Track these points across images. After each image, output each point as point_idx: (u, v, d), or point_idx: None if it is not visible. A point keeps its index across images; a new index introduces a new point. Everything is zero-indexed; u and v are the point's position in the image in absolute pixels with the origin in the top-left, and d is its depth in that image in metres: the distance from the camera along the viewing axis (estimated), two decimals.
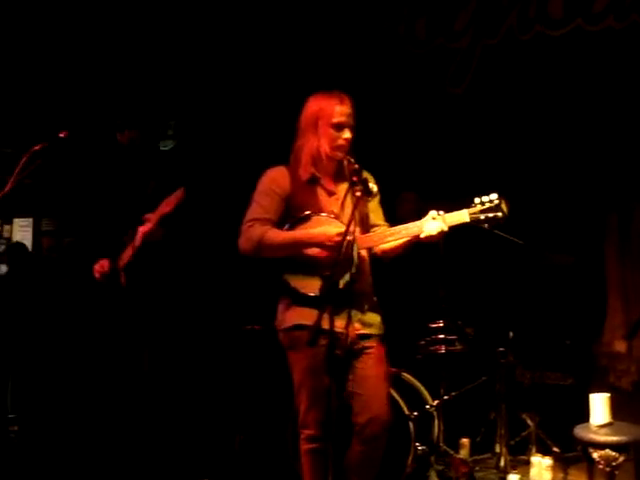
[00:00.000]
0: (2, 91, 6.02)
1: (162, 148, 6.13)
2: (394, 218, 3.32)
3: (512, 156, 5.10)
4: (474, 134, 5.25)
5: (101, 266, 3.75)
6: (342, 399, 3.11)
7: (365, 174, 3.05)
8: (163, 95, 5.84)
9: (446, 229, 2.96)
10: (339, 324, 2.94)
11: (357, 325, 3.09)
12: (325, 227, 3.01)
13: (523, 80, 5.13)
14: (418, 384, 4.30)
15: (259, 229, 3.06)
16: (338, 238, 2.89)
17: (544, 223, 4.91)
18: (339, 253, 2.81)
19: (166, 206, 3.57)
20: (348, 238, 2.86)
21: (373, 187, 3.11)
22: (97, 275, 3.74)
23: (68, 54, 5.92)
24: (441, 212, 2.99)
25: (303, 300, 3.03)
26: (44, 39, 5.85)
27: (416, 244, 3.10)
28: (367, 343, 3.13)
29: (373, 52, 5.61)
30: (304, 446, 3.13)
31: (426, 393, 4.30)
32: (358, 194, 2.91)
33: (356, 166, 3.02)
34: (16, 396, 5.45)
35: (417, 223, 3.01)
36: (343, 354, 3.04)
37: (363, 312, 3.13)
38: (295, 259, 3.08)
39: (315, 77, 5.21)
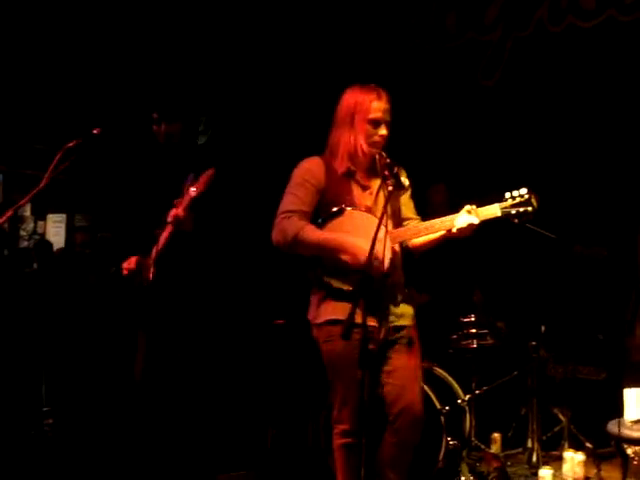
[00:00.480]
0: (36, 88, 6.10)
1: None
2: (424, 210, 3.32)
3: (543, 148, 5.06)
4: (505, 127, 5.22)
5: (129, 263, 3.65)
6: (376, 392, 3.10)
7: (397, 168, 3.03)
8: (194, 90, 5.87)
9: (477, 222, 2.97)
10: (373, 318, 2.94)
11: (391, 317, 3.10)
12: (358, 243, 2.94)
13: (555, 72, 5.08)
14: (450, 378, 4.29)
15: (297, 223, 3.02)
16: (364, 262, 2.79)
17: (576, 216, 4.87)
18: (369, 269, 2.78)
19: (198, 186, 3.39)
20: (382, 230, 2.84)
21: (405, 181, 3.12)
22: (125, 272, 3.65)
23: (101, 50, 5.98)
24: (473, 206, 2.99)
25: (338, 294, 3.02)
26: (77, 35, 5.91)
27: (448, 239, 3.10)
28: (400, 334, 3.13)
29: (404, 46, 5.60)
30: (338, 441, 3.13)
31: (457, 387, 4.29)
32: (390, 188, 2.91)
33: (388, 160, 3.02)
34: (50, 389, 5.52)
35: (450, 217, 3.02)
36: (377, 348, 3.04)
37: (396, 305, 3.13)
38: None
39: (347, 71, 5.21)
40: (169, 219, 3.46)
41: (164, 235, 3.52)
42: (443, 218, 3.03)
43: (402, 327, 3.15)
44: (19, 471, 4.38)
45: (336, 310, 3.01)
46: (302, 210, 3.06)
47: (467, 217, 2.97)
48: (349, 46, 5.65)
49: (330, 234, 3.03)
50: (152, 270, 3.56)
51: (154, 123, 3.70)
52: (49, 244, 6.50)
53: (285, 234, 3.03)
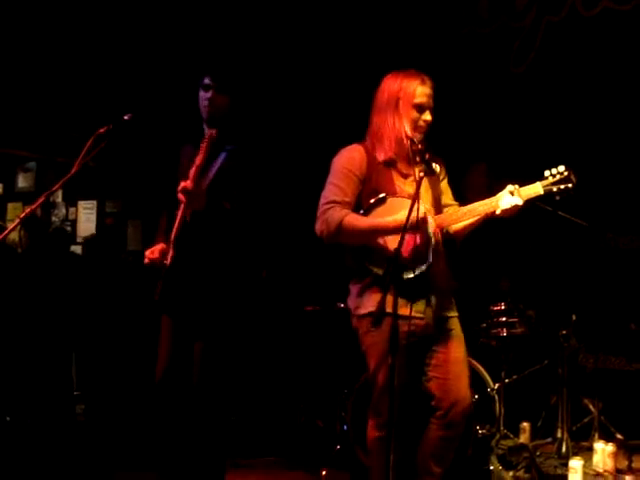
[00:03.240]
0: (69, 77, 6.16)
1: None
2: (462, 191, 3.29)
3: (577, 135, 4.99)
4: (537, 113, 5.16)
5: (152, 252, 3.46)
6: (419, 385, 3.06)
7: (428, 155, 3.00)
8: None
9: (521, 203, 2.94)
10: (418, 309, 2.93)
11: (436, 308, 3.05)
12: (401, 216, 2.87)
13: (589, 58, 5.00)
14: (479, 367, 4.27)
15: (339, 212, 2.99)
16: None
17: (609, 204, 4.81)
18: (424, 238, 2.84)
19: (200, 154, 3.27)
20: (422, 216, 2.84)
21: (436, 167, 3.09)
22: (146, 260, 3.45)
23: (133, 39, 6.02)
24: (516, 186, 2.97)
25: (382, 284, 2.92)
26: (108, 26, 5.96)
27: (489, 220, 3.06)
28: (447, 326, 3.08)
29: (436, 32, 5.56)
30: (374, 433, 3.06)
31: (487, 376, 4.26)
32: (421, 174, 2.87)
33: (419, 147, 2.99)
34: (81, 374, 5.59)
35: (493, 199, 2.99)
36: (422, 340, 2.99)
37: (442, 294, 3.09)
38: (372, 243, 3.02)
39: (380, 58, 5.20)
40: (180, 194, 3.28)
41: (179, 214, 3.34)
42: (485, 201, 3.01)
43: (448, 318, 3.10)
44: (51, 454, 4.45)
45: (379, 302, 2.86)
46: (345, 200, 3.03)
47: (511, 198, 2.94)
48: (382, 33, 5.62)
49: (373, 219, 3.00)
50: (171, 253, 3.39)
51: (202, 88, 3.46)
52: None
53: (329, 224, 2.99)
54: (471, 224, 3.09)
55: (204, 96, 3.45)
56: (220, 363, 3.47)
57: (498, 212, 2.97)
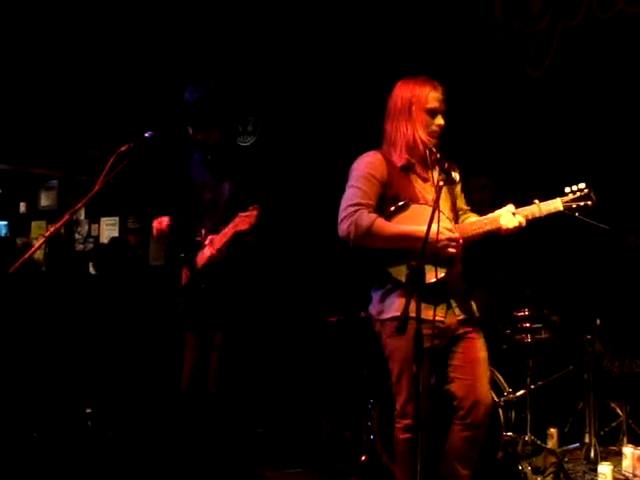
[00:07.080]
0: (91, 96, 6.24)
1: (242, 144, 6.22)
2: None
3: (594, 139, 4.97)
4: (554, 118, 5.14)
5: (159, 222, 3.69)
6: (443, 387, 3.11)
7: (447, 163, 3.03)
8: (242, 91, 5.95)
9: (524, 224, 3.02)
10: (439, 313, 2.96)
11: (457, 311, 3.11)
12: (434, 226, 2.85)
13: (605, 61, 4.98)
14: (495, 373, 4.23)
15: (368, 215, 2.98)
16: (448, 240, 2.92)
17: (631, 207, 4.77)
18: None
19: (240, 224, 3.38)
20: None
21: (456, 176, 3.12)
22: (155, 232, 3.70)
23: (151, 56, 6.09)
24: (536, 200, 3.03)
25: (403, 290, 2.99)
26: (126, 43, 6.03)
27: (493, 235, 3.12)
28: (467, 328, 3.12)
29: (452, 39, 5.56)
30: (401, 436, 3.09)
31: (503, 382, 4.23)
32: (441, 183, 2.90)
33: (438, 156, 3.02)
34: (93, 384, 5.61)
35: (496, 218, 3.05)
36: (444, 343, 3.05)
37: (462, 298, 3.14)
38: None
39: (393, 66, 5.21)
40: (204, 259, 3.54)
41: (202, 257, 3.57)
42: (491, 215, 3.07)
43: (469, 320, 3.14)
44: (61, 459, 4.47)
45: (402, 307, 2.84)
46: (369, 203, 3.03)
47: (513, 218, 3.01)
48: (398, 41, 5.64)
49: (404, 226, 3.00)
50: (199, 279, 3.62)
51: (191, 133, 3.68)
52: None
53: (357, 226, 2.98)
54: (480, 234, 3.12)
55: (195, 138, 3.68)
56: (238, 356, 3.64)
57: (503, 231, 3.04)
